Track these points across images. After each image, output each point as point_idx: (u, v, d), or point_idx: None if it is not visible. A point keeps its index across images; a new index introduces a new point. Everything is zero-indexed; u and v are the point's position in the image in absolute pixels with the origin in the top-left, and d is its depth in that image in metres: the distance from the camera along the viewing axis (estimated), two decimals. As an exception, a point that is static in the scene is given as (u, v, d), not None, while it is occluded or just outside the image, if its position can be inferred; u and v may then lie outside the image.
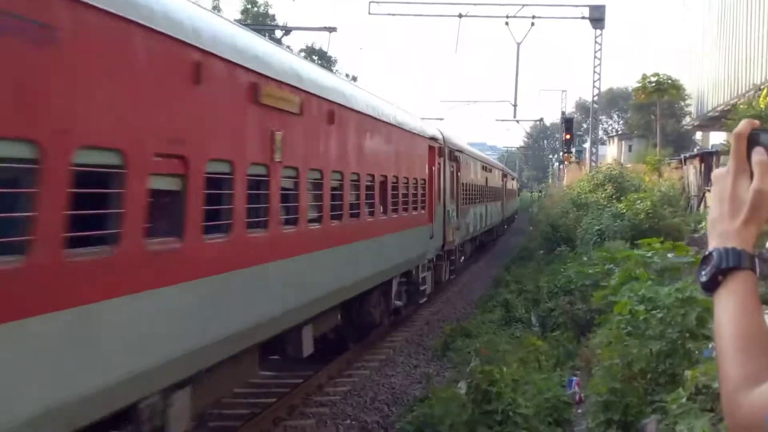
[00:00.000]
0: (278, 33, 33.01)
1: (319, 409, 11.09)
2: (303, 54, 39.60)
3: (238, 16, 41.58)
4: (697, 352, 7.54)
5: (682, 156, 40.67)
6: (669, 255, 10.02)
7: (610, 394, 7.91)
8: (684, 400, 6.23)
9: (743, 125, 1.49)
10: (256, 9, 43.58)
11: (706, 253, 1.48)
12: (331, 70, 38.39)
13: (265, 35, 26.30)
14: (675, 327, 7.69)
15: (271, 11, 44.31)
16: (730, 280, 1.44)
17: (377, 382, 12.91)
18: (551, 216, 33.06)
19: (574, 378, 11.06)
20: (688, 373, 6.67)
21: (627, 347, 8.14)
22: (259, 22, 40.59)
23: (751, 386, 1.32)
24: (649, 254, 10.09)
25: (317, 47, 43.56)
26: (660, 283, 8.89)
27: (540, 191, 77.29)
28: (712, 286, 1.45)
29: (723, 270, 1.44)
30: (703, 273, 1.46)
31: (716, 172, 1.54)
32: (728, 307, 1.42)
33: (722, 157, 29.73)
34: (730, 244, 1.46)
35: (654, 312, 7.90)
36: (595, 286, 13.06)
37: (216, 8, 38.78)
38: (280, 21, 42.70)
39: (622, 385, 7.95)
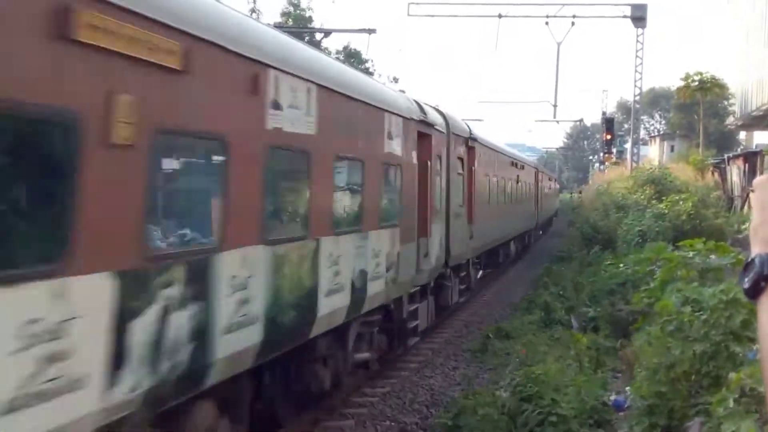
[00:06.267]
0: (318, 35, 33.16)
1: (358, 410, 11.15)
2: (340, 56, 39.74)
3: (279, 19, 41.79)
4: (741, 354, 7.44)
5: (726, 156, 40.00)
6: (711, 256, 9.87)
7: (655, 398, 7.82)
8: (731, 402, 6.16)
9: None
10: (297, 12, 43.69)
11: (749, 259, 1.48)
12: (370, 73, 38.41)
13: (305, 38, 26.44)
14: (719, 329, 7.58)
15: (311, 14, 44.40)
16: None
17: (416, 383, 12.92)
18: (591, 216, 32.71)
19: (622, 399, 10.65)
20: (732, 375, 6.59)
21: (670, 349, 8.04)
22: (300, 24, 40.74)
23: None
24: (691, 255, 9.95)
25: (353, 49, 43.54)
26: (702, 284, 8.77)
27: (580, 192, 76.60)
28: (755, 292, 1.45)
29: (765, 276, 1.44)
30: (746, 279, 1.46)
31: (758, 180, 1.54)
32: None
33: (766, 158, 29.21)
34: None
35: (698, 314, 7.80)
36: (636, 287, 12.93)
37: (254, 11, 39.04)
38: (318, 23, 42.82)
39: (666, 388, 7.85)
